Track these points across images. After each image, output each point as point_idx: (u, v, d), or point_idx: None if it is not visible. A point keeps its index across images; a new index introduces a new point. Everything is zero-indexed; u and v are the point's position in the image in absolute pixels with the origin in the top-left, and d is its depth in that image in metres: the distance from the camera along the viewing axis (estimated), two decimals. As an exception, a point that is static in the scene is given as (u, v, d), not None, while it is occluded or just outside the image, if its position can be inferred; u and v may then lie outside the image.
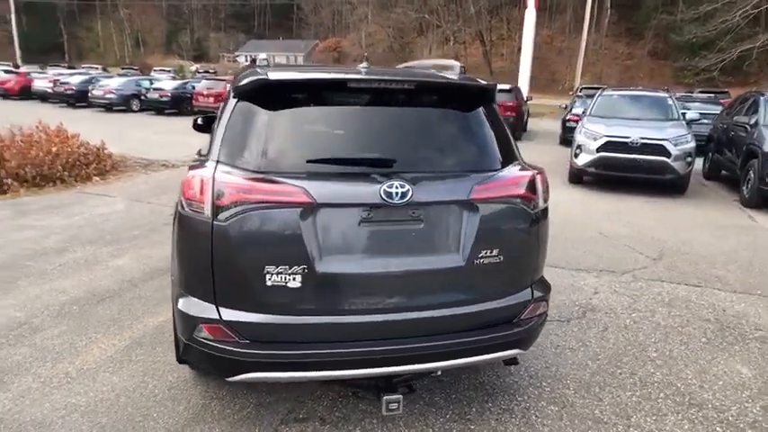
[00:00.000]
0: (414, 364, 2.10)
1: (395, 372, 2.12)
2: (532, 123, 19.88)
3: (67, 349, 2.96)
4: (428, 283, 2.10)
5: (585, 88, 18.67)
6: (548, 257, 4.53)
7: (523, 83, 23.06)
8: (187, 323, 2.06)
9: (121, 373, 2.75)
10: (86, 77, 20.68)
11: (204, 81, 18.87)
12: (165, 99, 18.35)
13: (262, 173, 1.99)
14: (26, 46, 49.06)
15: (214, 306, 2.01)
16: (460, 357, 2.15)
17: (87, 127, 10.10)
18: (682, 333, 3.46)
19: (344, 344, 2.03)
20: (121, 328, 3.22)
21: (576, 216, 6.55)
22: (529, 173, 2.27)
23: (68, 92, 19.51)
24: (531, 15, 22.19)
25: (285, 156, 2.06)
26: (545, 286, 2.44)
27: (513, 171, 2.26)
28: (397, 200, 1.98)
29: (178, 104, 18.43)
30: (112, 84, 18.94)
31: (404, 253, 2.06)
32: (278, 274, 1.95)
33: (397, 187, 1.98)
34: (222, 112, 2.24)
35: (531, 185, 2.24)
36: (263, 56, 2.60)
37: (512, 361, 2.54)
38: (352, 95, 2.15)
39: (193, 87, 18.95)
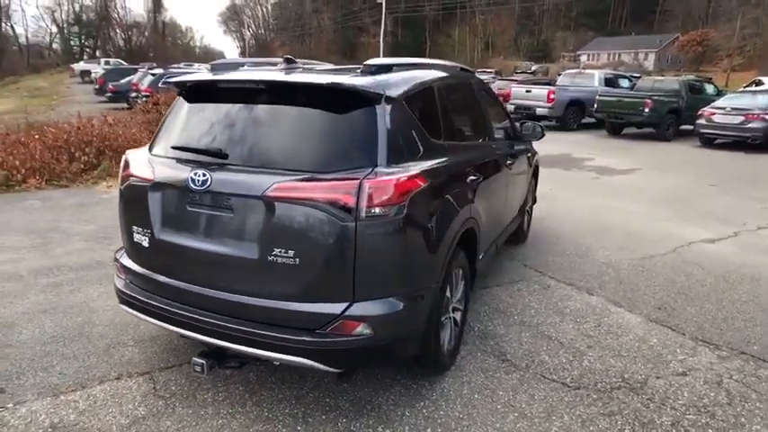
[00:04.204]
0: (218, 339, 2.28)
1: (204, 340, 2.33)
2: None
3: (106, 281, 3.87)
4: (230, 269, 2.26)
5: None
6: (672, 317, 3.43)
7: None
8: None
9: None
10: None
11: (498, 82, 19.52)
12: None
13: (154, 156, 2.54)
14: (398, 52, 59.98)
15: (123, 251, 2.69)
16: (254, 347, 2.20)
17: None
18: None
19: (175, 304, 2.39)
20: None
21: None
22: (352, 179, 2.07)
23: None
24: None
25: (168, 142, 2.53)
26: (383, 310, 2.16)
27: (335, 175, 2.10)
28: (197, 186, 2.22)
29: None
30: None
31: (214, 236, 2.27)
32: (137, 233, 2.49)
33: (199, 175, 2.22)
34: None
35: (350, 192, 2.05)
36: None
37: (343, 376, 2.37)
38: (222, 94, 2.46)
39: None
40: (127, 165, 2.59)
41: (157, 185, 2.40)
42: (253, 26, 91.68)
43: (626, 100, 14.01)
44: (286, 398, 2.62)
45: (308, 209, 2.09)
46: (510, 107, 16.61)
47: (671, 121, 13.92)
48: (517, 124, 4.62)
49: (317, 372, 2.30)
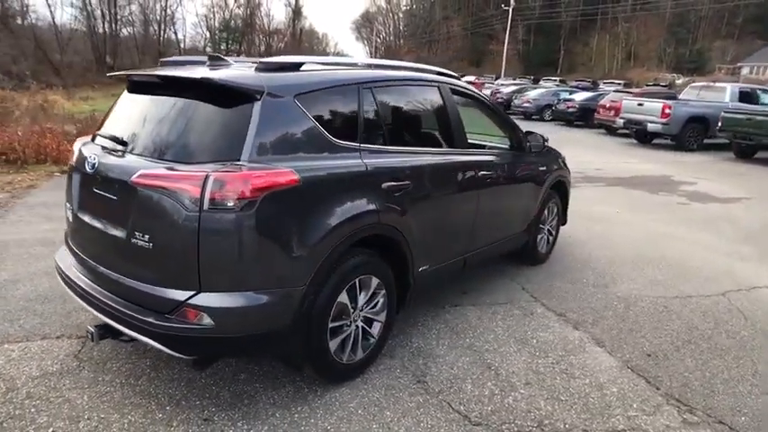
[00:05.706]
0: (99, 312, 2.45)
1: (91, 311, 2.52)
2: None
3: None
4: (111, 248, 2.44)
5: None
6: (658, 367, 3.23)
7: None
8: None
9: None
10: (514, 88, 23.50)
11: (613, 93, 17.93)
12: (571, 110, 18.72)
13: (88, 142, 2.82)
14: (529, 61, 57.80)
15: None
16: (119, 323, 2.33)
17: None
18: None
19: (78, 275, 2.64)
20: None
21: None
22: (201, 172, 2.12)
23: (499, 100, 22.77)
24: None
25: (99, 129, 2.79)
26: (230, 303, 2.19)
27: (191, 166, 2.18)
28: (89, 169, 2.44)
29: (585, 116, 18.38)
30: (531, 94, 20.75)
31: (103, 216, 2.48)
32: (67, 209, 2.79)
33: (91, 159, 2.44)
34: None
35: (196, 183, 2.12)
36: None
37: (198, 364, 2.41)
38: (139, 87, 2.67)
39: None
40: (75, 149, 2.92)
41: (75, 168, 2.68)
42: (383, 33, 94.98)
43: (758, 118, 12.06)
44: (180, 378, 2.73)
45: (162, 196, 2.18)
46: (619, 121, 15.28)
47: (820, 145, 11.72)
48: (525, 134, 4.27)
49: (172, 356, 2.36)
